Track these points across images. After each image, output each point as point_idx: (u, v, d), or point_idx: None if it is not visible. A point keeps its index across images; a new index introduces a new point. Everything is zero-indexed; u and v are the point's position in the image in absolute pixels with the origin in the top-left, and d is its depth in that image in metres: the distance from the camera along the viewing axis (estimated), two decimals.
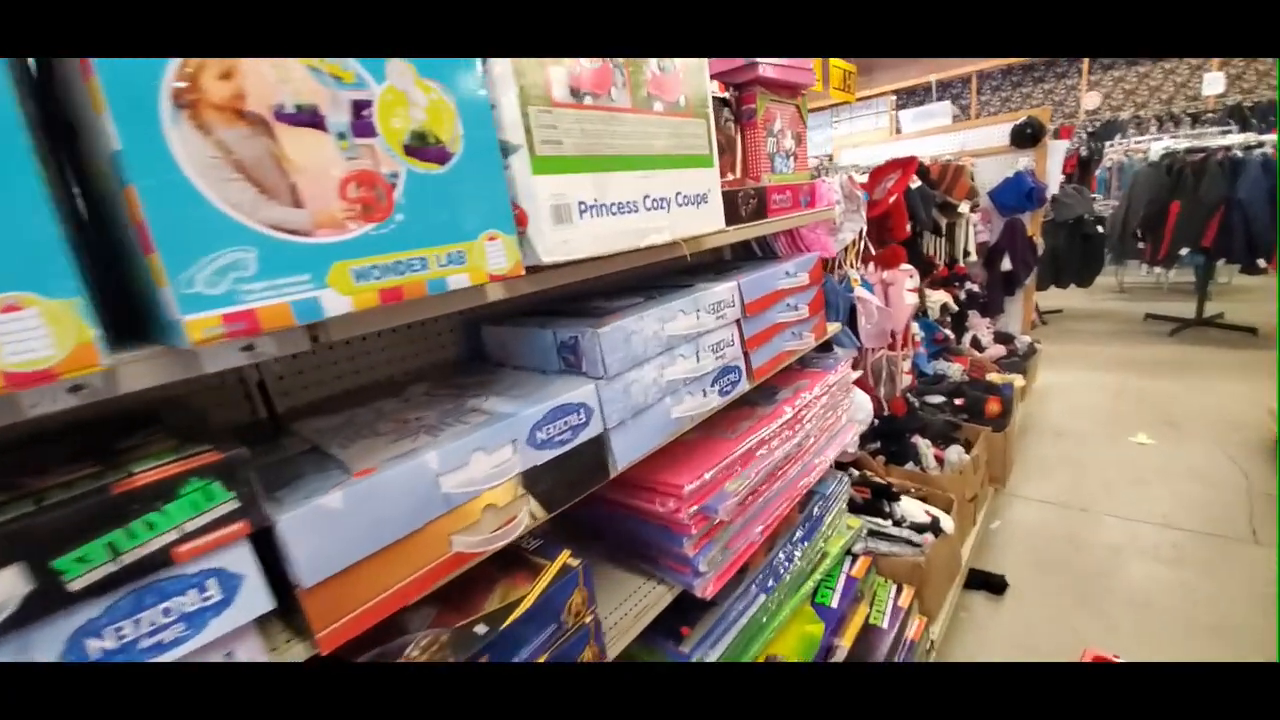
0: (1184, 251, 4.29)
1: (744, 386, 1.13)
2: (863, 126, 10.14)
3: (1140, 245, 4.67)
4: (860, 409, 1.79)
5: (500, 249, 0.58)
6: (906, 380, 2.25)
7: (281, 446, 0.71)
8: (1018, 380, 2.75)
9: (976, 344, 3.17)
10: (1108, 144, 6.11)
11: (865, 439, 2.13)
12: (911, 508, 1.78)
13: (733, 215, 1.10)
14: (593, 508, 1.10)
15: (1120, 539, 2.35)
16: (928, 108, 3.58)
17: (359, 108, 0.47)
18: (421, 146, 0.50)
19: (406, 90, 0.49)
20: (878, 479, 1.93)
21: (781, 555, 1.36)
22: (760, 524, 1.17)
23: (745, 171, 1.24)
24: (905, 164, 1.92)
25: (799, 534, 1.42)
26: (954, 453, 1.96)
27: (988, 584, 2.14)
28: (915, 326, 2.54)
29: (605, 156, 0.71)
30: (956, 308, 2.93)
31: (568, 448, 0.76)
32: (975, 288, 3.37)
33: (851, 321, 1.78)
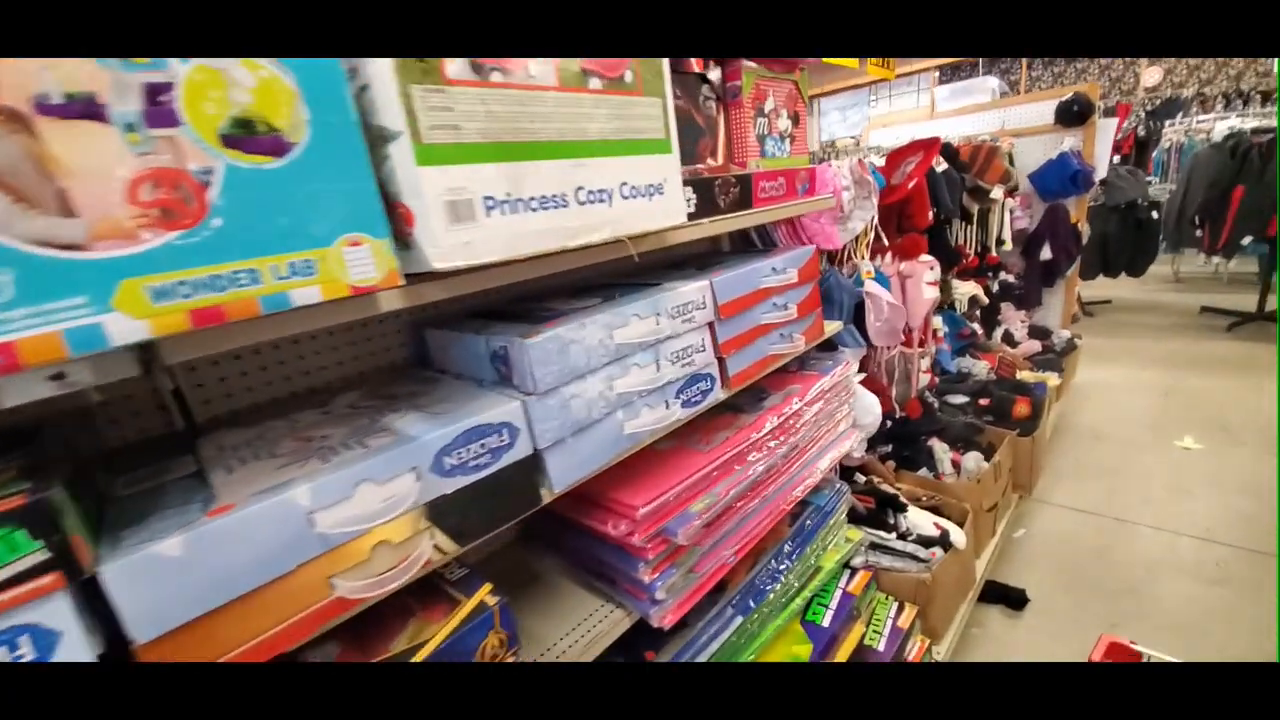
0: (1246, 240, 3.95)
1: (718, 396, 1.03)
2: (902, 105, 9.71)
3: (1198, 233, 4.33)
4: (866, 411, 1.66)
5: (366, 255, 0.49)
6: (925, 379, 2.11)
7: (167, 469, 0.65)
8: (1051, 379, 2.56)
9: (1009, 339, 2.97)
10: (1167, 123, 5.67)
11: (875, 441, 2.00)
12: (919, 519, 1.65)
13: (708, 206, 1.00)
14: (548, 517, 1.02)
15: (1157, 553, 2.18)
16: (966, 83, 3.34)
17: (154, 92, 0.39)
18: (247, 136, 0.42)
19: (224, 69, 0.41)
20: (885, 486, 1.81)
21: (765, 572, 1.27)
22: (735, 545, 1.08)
23: (729, 157, 1.13)
24: (927, 145, 1.76)
25: (787, 548, 1.33)
26: (971, 460, 1.82)
27: (1006, 597, 2.00)
28: (938, 320, 2.38)
29: (521, 144, 0.62)
30: (987, 300, 2.74)
31: (486, 473, 0.68)
32: (1010, 278, 3.16)
33: (860, 318, 1.65)
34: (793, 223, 1.50)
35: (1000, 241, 2.81)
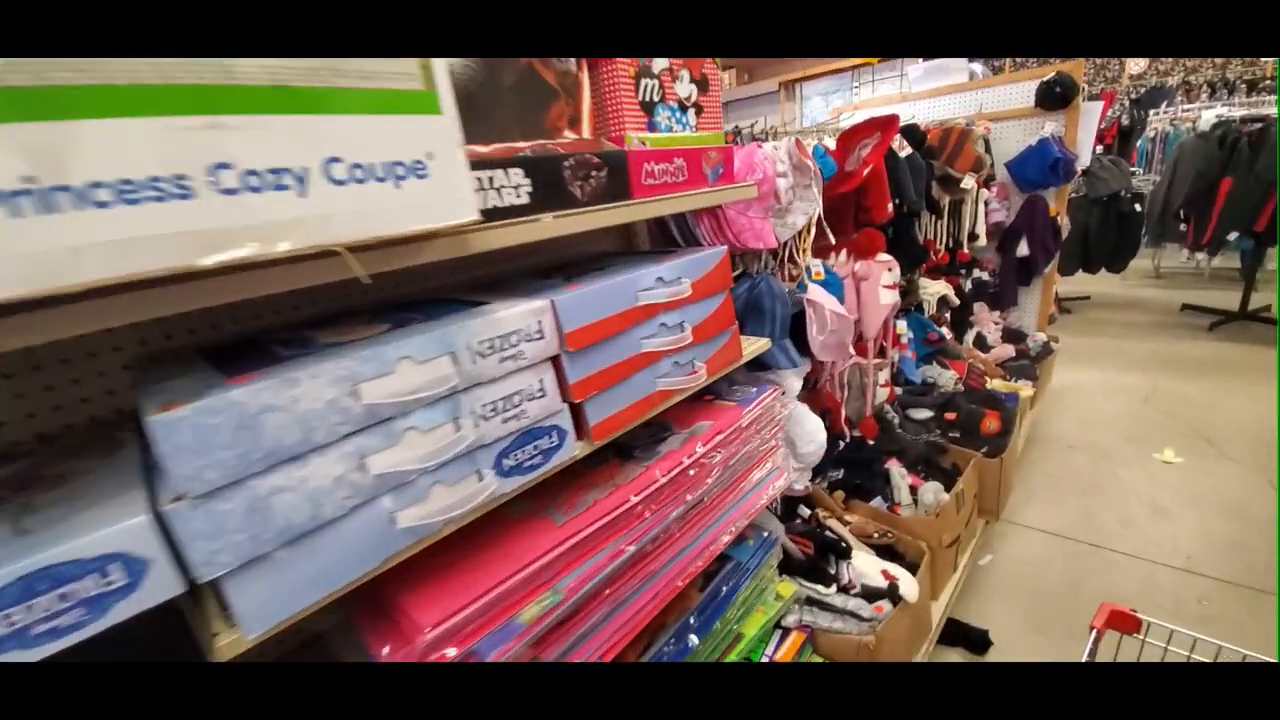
0: (1233, 236, 3.76)
1: (571, 453, 0.76)
2: (886, 91, 9.43)
3: (1182, 227, 4.14)
4: (808, 439, 1.42)
5: None
6: (883, 394, 1.86)
7: None
8: (1024, 389, 2.33)
9: (981, 343, 2.74)
10: (1152, 112, 5.47)
11: (825, 466, 1.76)
12: (866, 566, 1.41)
13: (554, 196, 0.72)
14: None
15: (1134, 587, 1.97)
16: (939, 63, 3.07)
17: None
18: None
19: None
20: (832, 522, 1.57)
21: (663, 653, 1.02)
22: (604, 644, 0.82)
23: (600, 130, 0.86)
24: (884, 125, 1.51)
25: (694, 621, 1.07)
26: (929, 492, 1.58)
27: (967, 639, 1.78)
28: (902, 325, 2.13)
29: (61, 89, 0.34)
30: (958, 301, 2.50)
31: (77, 637, 0.41)
32: (985, 276, 2.93)
33: (801, 330, 1.40)
34: (717, 217, 1.23)
35: (974, 236, 2.57)
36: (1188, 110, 5.08)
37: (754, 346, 1.12)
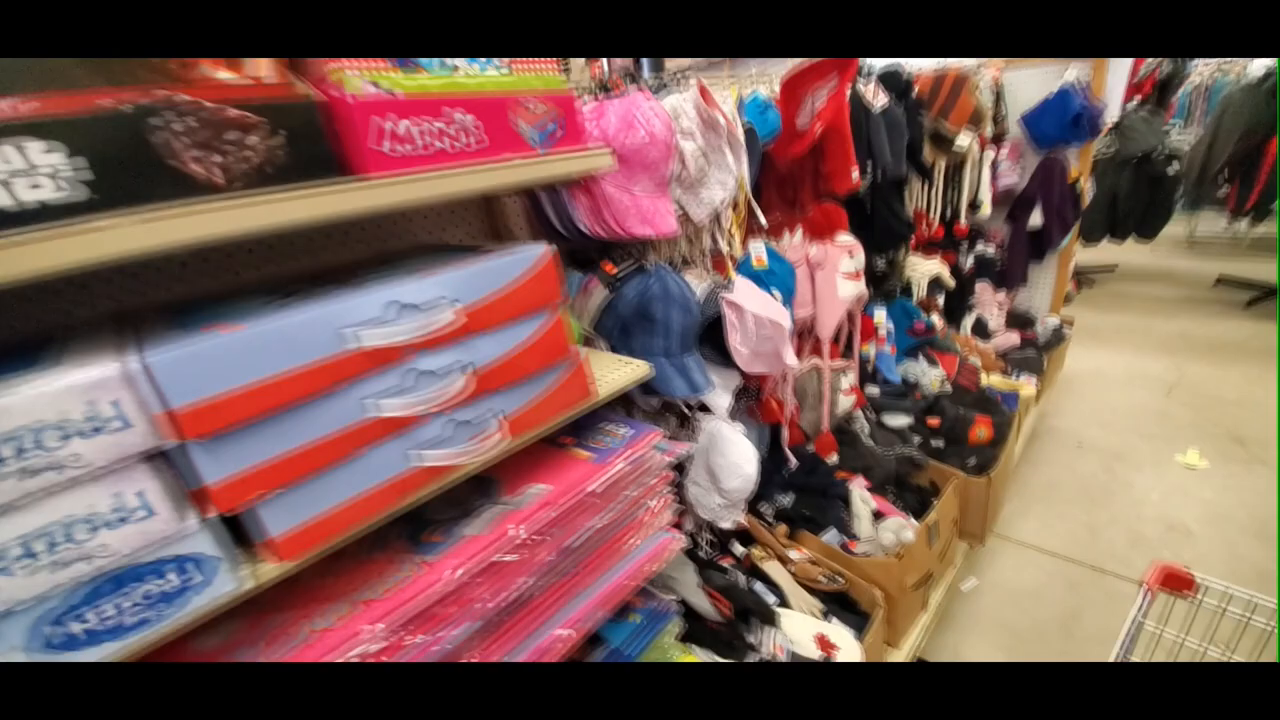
0: None
1: (226, 589, 0.49)
2: None
3: (1223, 191, 3.68)
4: (732, 472, 1.13)
5: None
6: (847, 402, 1.56)
7: None
8: (1025, 388, 2.00)
9: (981, 329, 2.39)
10: (1196, 59, 4.89)
11: (771, 490, 1.47)
12: (798, 630, 1.14)
13: (151, 181, 0.42)
14: None
15: None
16: None
17: None
18: None
19: None
20: (769, 566, 1.29)
21: None
22: None
23: (296, 69, 0.54)
24: (841, 65, 1.15)
25: None
26: (889, 531, 1.29)
27: None
28: (880, 315, 1.81)
29: None
30: (954, 283, 2.15)
31: None
32: (990, 250, 2.55)
33: (719, 336, 1.09)
34: (593, 196, 0.91)
35: (975, 205, 2.20)
36: (1234, 58, 4.51)
37: (625, 375, 0.83)
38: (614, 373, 0.84)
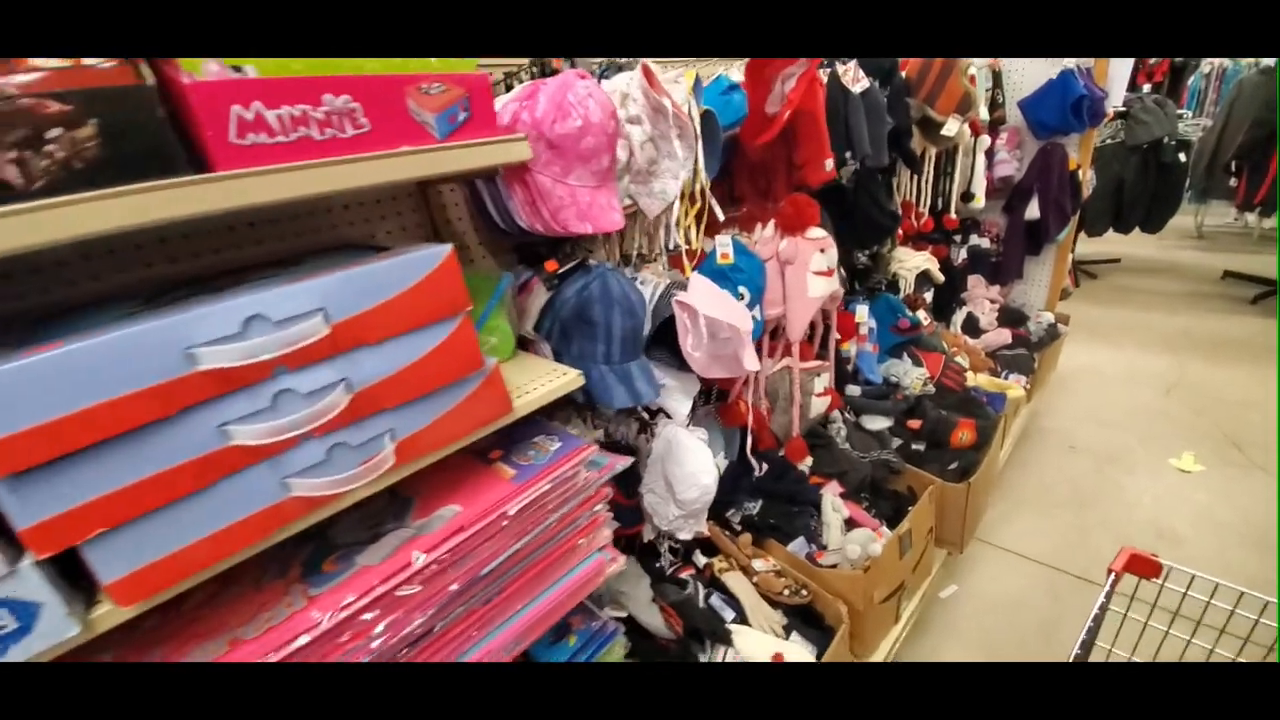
0: None
1: (58, 636, 0.43)
2: None
3: (1233, 181, 3.57)
4: (688, 483, 1.07)
5: None
6: (820, 404, 1.49)
7: None
8: (1013, 389, 1.92)
9: (972, 326, 2.31)
10: None
11: (739, 497, 1.41)
12: (754, 648, 1.08)
13: None
14: None
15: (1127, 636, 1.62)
16: None
17: None
18: None
19: None
20: (730, 577, 1.23)
21: None
22: None
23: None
24: None
25: None
26: (855, 544, 1.22)
27: None
28: (862, 312, 1.73)
29: None
30: (942, 277, 2.06)
31: None
32: (984, 242, 2.47)
33: (673, 336, 1.02)
34: (529, 188, 0.84)
35: (968, 196, 2.11)
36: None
37: (555, 385, 0.76)
38: (544, 382, 0.78)
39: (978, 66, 1.98)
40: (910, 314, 1.85)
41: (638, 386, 0.89)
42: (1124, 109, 3.68)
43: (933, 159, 1.95)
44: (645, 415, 1.22)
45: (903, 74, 1.62)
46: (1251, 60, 4.07)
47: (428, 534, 0.66)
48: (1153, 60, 5.20)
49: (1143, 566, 0.96)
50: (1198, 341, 3.15)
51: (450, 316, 0.61)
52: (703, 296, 1.01)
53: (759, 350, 1.44)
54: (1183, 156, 3.75)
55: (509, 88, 0.95)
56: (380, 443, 0.58)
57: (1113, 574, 0.96)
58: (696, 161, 0.99)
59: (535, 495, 0.71)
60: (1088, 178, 2.58)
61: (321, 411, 0.53)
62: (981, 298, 2.38)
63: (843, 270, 1.66)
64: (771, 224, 1.35)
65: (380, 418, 0.58)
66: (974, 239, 2.44)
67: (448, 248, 0.59)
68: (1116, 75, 2.36)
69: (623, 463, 0.83)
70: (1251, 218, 4.51)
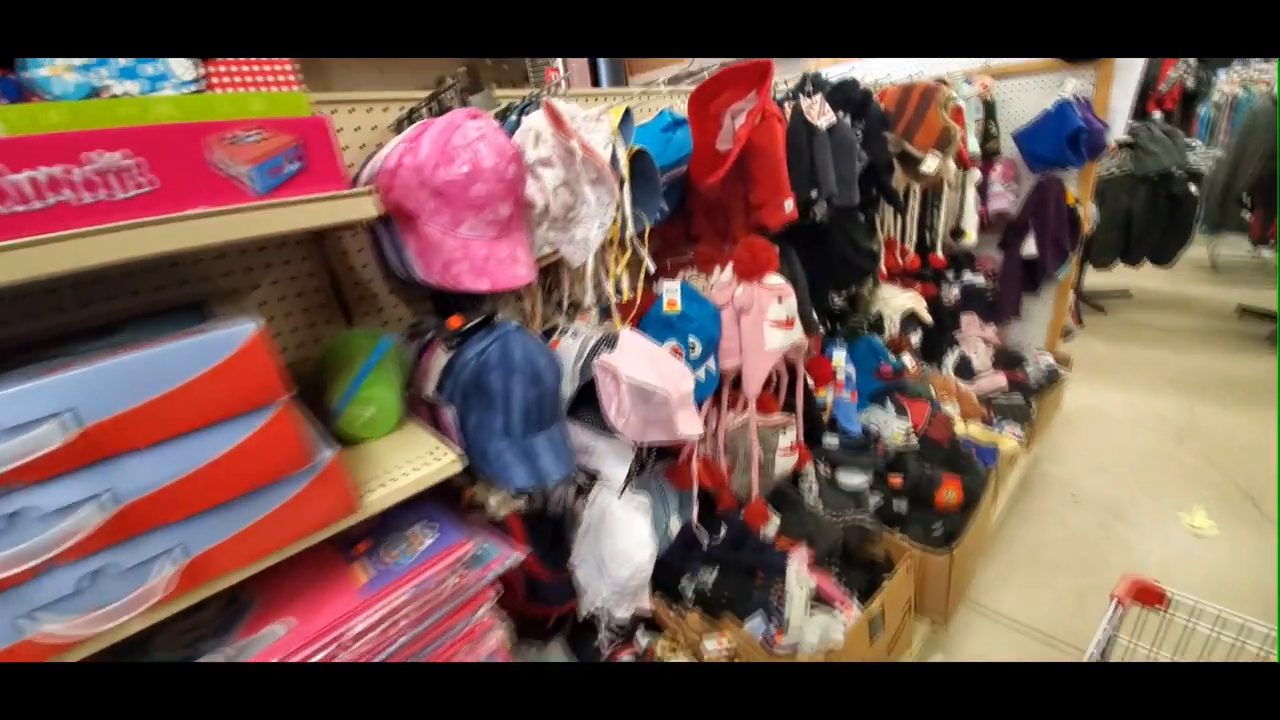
0: None
1: None
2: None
3: (1246, 215, 3.43)
4: (622, 560, 0.95)
5: None
6: (787, 463, 1.37)
7: None
8: (1006, 441, 1.79)
9: (965, 368, 2.18)
10: (1221, 71, 4.62)
11: (694, 566, 1.28)
12: None
13: None
14: None
15: None
16: None
17: None
18: None
19: None
20: (677, 656, 1.10)
21: None
22: None
23: None
24: (757, 79, 0.97)
25: None
26: (814, 630, 1.09)
27: None
28: (839, 358, 1.61)
29: None
30: (930, 319, 1.94)
31: None
32: (979, 279, 2.34)
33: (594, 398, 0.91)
34: (421, 238, 0.74)
35: (958, 232, 2.00)
36: (1263, 71, 4.24)
37: (424, 473, 0.65)
38: (420, 465, 0.67)
39: (965, 97, 1.88)
40: (893, 358, 1.72)
41: (541, 465, 0.78)
42: (1130, 139, 3.57)
43: (918, 194, 1.84)
44: (583, 477, 1.11)
45: (880, 105, 1.52)
46: (1264, 89, 3.95)
47: (244, 657, 0.55)
48: (1164, 87, 5.09)
49: (1147, 596, 0.95)
50: (1210, 382, 2.99)
51: (260, 407, 0.51)
52: (632, 356, 0.90)
53: (718, 400, 1.33)
54: (1193, 188, 3.62)
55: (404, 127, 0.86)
56: (159, 564, 0.48)
57: (1116, 601, 0.94)
58: (623, 208, 0.89)
59: (387, 610, 0.60)
60: (1088, 213, 2.46)
61: (64, 534, 0.43)
62: (976, 338, 2.26)
63: (816, 313, 1.55)
64: (730, 267, 1.24)
65: (160, 533, 0.48)
66: (968, 275, 2.32)
67: (250, 327, 0.49)
68: (1118, 106, 2.25)
69: (513, 557, 0.71)
70: (1267, 252, 4.34)
